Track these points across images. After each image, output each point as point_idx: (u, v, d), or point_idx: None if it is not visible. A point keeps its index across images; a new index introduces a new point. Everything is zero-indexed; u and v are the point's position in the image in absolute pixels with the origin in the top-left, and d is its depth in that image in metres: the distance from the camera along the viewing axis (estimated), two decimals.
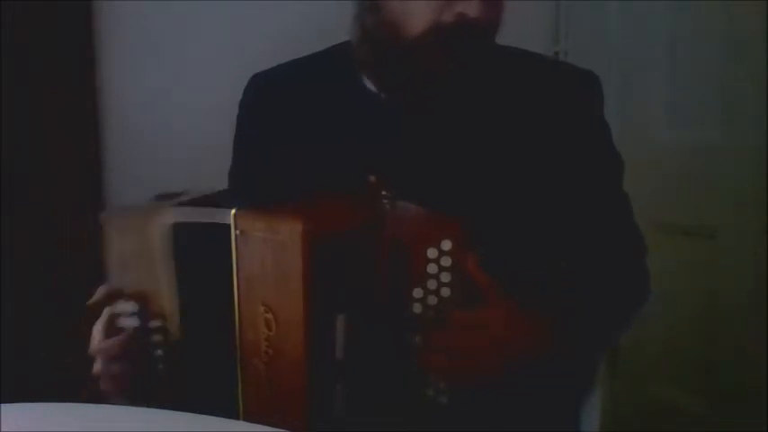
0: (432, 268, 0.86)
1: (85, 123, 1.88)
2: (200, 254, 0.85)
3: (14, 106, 1.77)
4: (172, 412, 0.78)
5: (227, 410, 0.80)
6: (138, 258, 0.88)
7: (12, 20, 1.75)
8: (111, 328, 0.90)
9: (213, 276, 0.84)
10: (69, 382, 1.01)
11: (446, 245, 0.86)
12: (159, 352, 0.89)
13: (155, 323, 0.88)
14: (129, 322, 0.89)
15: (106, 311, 0.90)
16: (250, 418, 0.83)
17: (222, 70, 1.62)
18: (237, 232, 0.81)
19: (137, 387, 0.90)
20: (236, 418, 0.83)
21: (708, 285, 1.93)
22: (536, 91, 1.04)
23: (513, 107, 1.03)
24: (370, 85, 1.05)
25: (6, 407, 0.77)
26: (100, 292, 0.91)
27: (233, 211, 0.82)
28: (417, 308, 0.87)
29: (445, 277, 0.87)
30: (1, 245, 1.76)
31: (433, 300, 0.87)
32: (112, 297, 0.90)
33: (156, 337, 0.89)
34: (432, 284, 0.87)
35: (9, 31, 1.75)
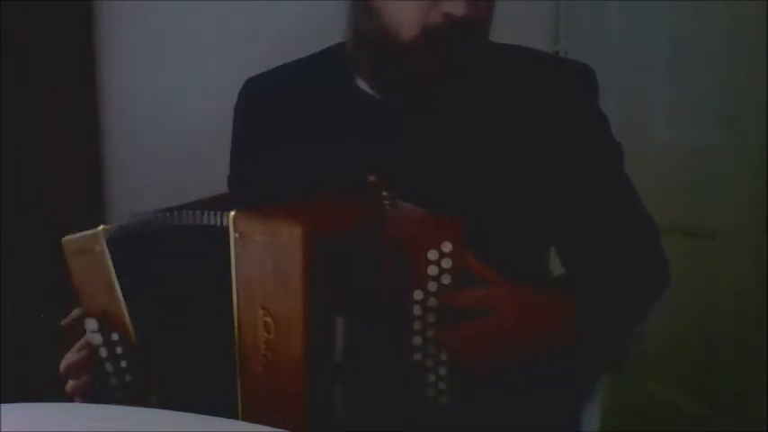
0: (432, 270, 0.86)
1: (85, 123, 1.88)
2: (199, 257, 0.85)
3: (14, 106, 1.76)
4: (172, 412, 0.78)
5: (227, 414, 0.79)
6: (91, 277, 0.90)
7: (12, 20, 1.75)
8: (79, 346, 0.92)
9: (212, 280, 0.84)
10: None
11: (446, 246, 0.86)
12: (123, 363, 0.90)
13: (115, 336, 0.90)
14: (94, 338, 0.90)
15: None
16: (249, 421, 0.82)
17: (223, 70, 1.62)
18: (236, 235, 0.81)
19: (102, 399, 0.91)
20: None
21: (708, 285, 1.93)
22: (532, 86, 1.04)
23: (510, 104, 1.03)
24: (364, 86, 1.05)
25: (6, 407, 0.77)
26: (74, 313, 0.93)
27: (231, 213, 0.81)
28: (418, 310, 0.87)
29: (446, 279, 0.86)
30: (1, 245, 1.76)
31: (433, 302, 0.87)
32: (82, 318, 0.92)
33: (119, 350, 0.90)
34: (432, 286, 0.86)
35: (9, 31, 1.75)
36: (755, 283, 1.79)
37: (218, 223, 0.82)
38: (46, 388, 0.87)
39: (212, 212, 0.83)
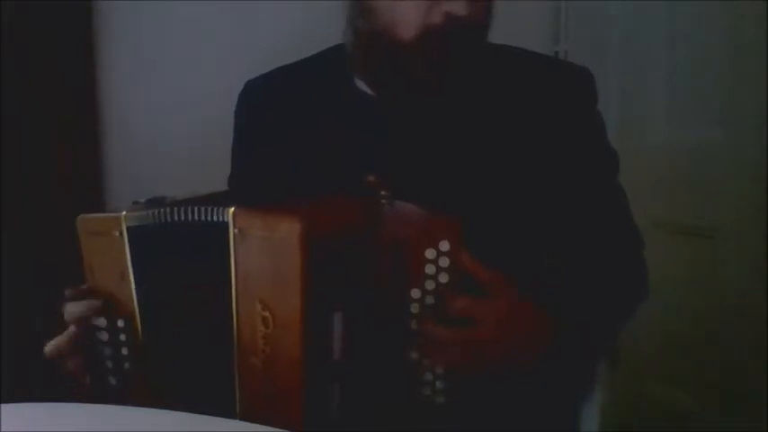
0: (430, 269, 0.86)
1: (85, 125, 1.88)
2: (197, 252, 0.85)
3: (14, 107, 1.77)
4: (172, 412, 0.78)
5: (224, 408, 0.80)
6: (105, 260, 0.89)
7: (12, 20, 1.75)
8: (80, 326, 0.91)
9: (211, 274, 0.84)
10: (69, 383, 1.01)
11: (444, 245, 0.86)
12: (124, 351, 0.90)
13: (120, 323, 0.90)
14: (98, 322, 0.90)
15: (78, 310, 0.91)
16: (247, 416, 0.83)
17: (222, 72, 1.63)
18: (236, 230, 0.81)
19: (97, 384, 0.92)
20: (233, 415, 0.83)
21: (707, 285, 1.93)
22: (530, 88, 1.04)
23: (508, 105, 1.03)
24: (363, 86, 1.05)
25: (6, 407, 0.77)
26: (74, 290, 0.92)
27: (231, 209, 0.82)
28: (415, 308, 0.87)
29: (443, 278, 0.87)
30: (1, 246, 1.76)
31: (430, 300, 0.87)
32: (83, 294, 0.91)
33: (122, 336, 0.90)
34: (430, 285, 0.87)
35: (9, 31, 1.75)
36: (755, 282, 1.79)
37: (219, 219, 0.82)
38: (46, 388, 0.88)
39: (213, 208, 0.83)
